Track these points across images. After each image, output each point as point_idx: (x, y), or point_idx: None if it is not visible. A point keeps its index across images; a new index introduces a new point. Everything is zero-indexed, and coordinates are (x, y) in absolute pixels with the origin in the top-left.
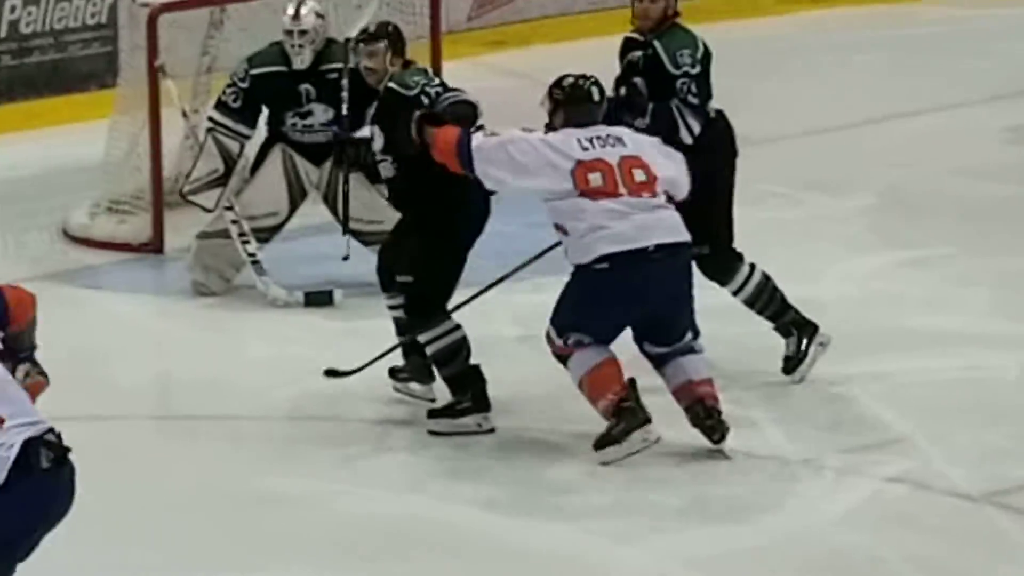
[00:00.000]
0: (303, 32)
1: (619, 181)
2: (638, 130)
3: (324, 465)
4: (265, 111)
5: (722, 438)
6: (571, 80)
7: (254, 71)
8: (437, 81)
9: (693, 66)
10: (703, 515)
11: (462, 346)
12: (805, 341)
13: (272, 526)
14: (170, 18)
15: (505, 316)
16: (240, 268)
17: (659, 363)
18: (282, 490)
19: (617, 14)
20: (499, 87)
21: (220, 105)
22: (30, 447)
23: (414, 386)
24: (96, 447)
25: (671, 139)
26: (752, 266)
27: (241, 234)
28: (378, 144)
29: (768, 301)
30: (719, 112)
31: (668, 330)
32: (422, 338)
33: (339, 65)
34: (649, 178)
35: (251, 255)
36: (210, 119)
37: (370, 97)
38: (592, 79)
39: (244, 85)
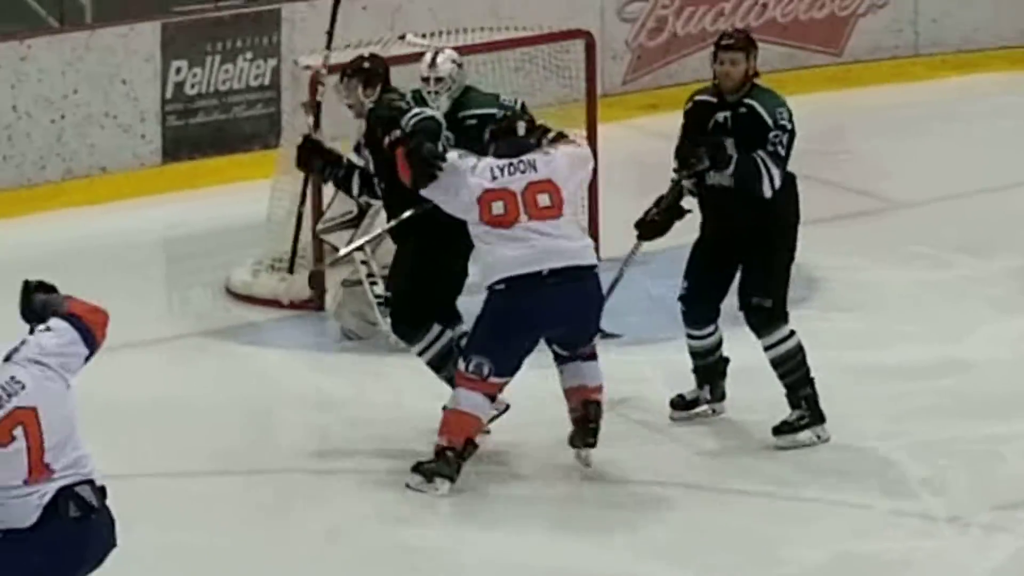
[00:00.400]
0: (439, 79)
1: (521, 208)
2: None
3: (497, 513)
4: None
5: (590, 445)
6: (504, 117)
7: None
8: (409, 100)
9: (789, 122)
10: (848, 571)
11: (452, 349)
12: (807, 421)
13: None
14: (332, 80)
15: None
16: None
17: (560, 361)
18: (435, 543)
19: (770, 77)
20: (652, 148)
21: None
22: (60, 496)
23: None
24: (255, 499)
25: (751, 189)
26: (792, 332)
27: (369, 275)
28: (369, 166)
29: (794, 369)
30: (792, 175)
31: (570, 346)
32: (415, 349)
33: (479, 111)
34: (554, 202)
35: (378, 296)
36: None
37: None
38: (525, 117)
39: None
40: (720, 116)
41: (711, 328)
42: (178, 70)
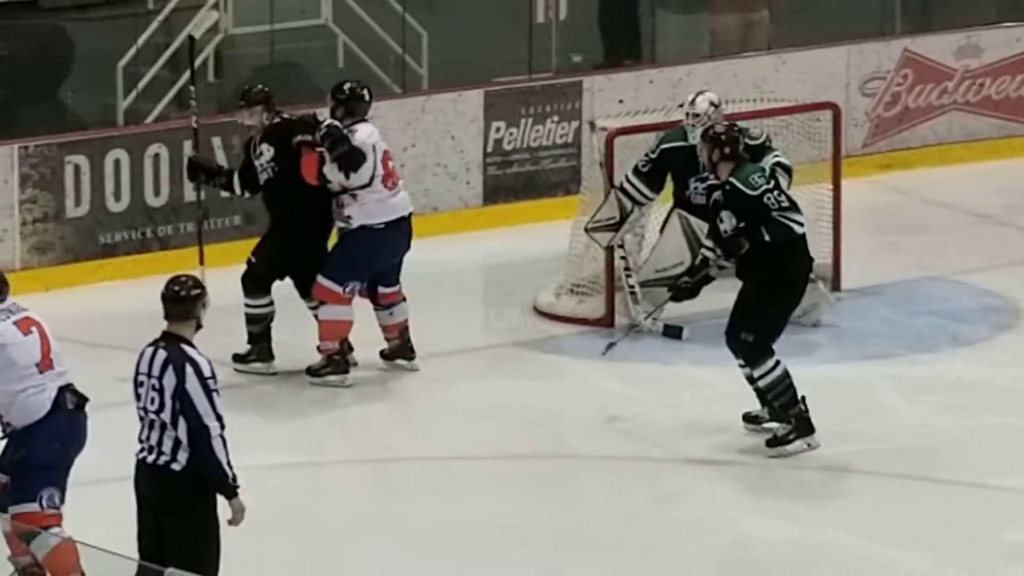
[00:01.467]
0: (696, 115)
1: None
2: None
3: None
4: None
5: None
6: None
7: (663, 145)
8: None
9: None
10: None
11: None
12: (795, 433)
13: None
14: (624, 140)
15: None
16: (663, 306)
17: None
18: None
19: (986, 144)
20: (888, 202)
21: (634, 170)
22: (60, 393)
23: (257, 365)
24: (550, 482)
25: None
26: (778, 362)
27: (626, 268)
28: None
29: (781, 394)
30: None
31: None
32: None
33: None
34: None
35: (631, 287)
36: (624, 177)
37: None
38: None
39: (654, 156)
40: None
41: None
42: (497, 129)
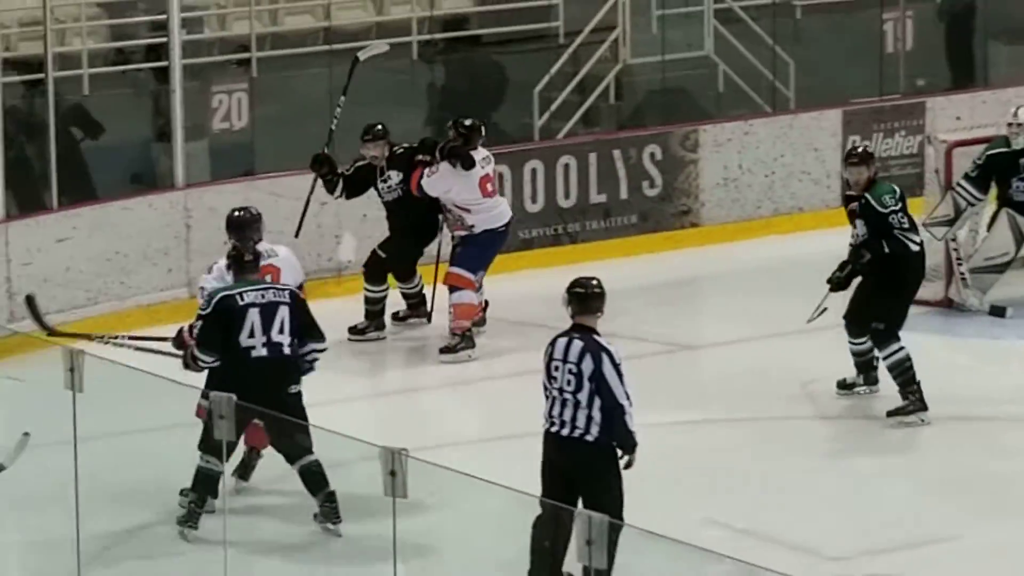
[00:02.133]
0: (1019, 124)
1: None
2: None
3: None
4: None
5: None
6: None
7: (989, 152)
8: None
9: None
10: None
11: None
12: (913, 407)
13: None
14: (961, 151)
15: None
16: (987, 290)
17: None
18: None
19: None
20: None
21: (965, 175)
22: None
23: (371, 334)
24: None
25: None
26: (902, 347)
27: (958, 258)
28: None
29: (901, 373)
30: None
31: None
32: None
33: None
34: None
35: (962, 274)
36: (957, 183)
37: None
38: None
39: (980, 162)
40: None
41: (863, 339)
42: (853, 141)
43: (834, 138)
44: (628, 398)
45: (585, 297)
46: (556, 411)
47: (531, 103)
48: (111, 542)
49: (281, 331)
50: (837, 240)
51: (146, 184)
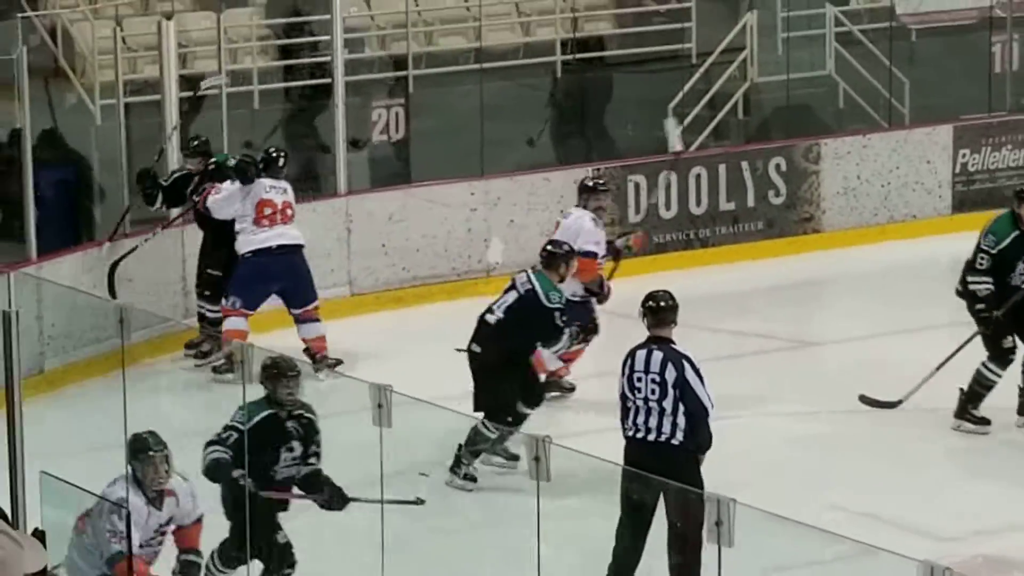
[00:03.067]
0: None
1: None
2: None
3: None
4: None
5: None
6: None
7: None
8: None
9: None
10: None
11: None
12: None
13: None
14: None
15: None
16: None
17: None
18: None
19: None
20: None
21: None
22: None
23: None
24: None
25: None
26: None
27: None
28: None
29: None
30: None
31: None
32: None
33: None
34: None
35: None
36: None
37: None
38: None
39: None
40: None
41: None
42: (963, 155)
43: (945, 151)
44: (710, 399)
45: (659, 310)
46: (641, 420)
47: (666, 118)
48: None
49: None
50: (949, 247)
51: (311, 192)
